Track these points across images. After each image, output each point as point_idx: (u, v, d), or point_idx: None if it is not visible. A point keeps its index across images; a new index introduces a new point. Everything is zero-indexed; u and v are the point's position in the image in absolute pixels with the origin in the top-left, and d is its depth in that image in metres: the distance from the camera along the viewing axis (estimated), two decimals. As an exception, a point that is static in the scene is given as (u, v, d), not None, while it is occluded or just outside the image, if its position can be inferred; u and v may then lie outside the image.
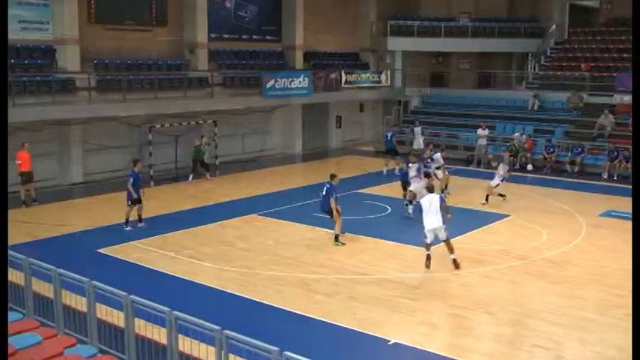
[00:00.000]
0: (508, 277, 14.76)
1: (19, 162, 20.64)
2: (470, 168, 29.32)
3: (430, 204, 15.29)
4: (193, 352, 9.16)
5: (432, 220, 15.18)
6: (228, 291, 13.65)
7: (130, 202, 18.26)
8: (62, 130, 24.31)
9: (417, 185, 19.88)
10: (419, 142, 29.92)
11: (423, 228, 15.35)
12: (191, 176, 25.31)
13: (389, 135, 28.19)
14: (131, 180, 18.16)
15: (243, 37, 32.19)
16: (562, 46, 37.07)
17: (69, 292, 10.62)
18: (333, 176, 17.56)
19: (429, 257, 15.17)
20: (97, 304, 10.04)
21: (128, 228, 18.17)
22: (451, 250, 15.24)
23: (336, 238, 17.17)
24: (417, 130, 30.96)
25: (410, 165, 20.71)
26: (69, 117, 23.75)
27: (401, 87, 38.03)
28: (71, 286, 10.45)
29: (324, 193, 17.43)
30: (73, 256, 15.54)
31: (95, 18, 25.89)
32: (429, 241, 15.26)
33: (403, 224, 19.38)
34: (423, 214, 15.38)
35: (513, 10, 39.84)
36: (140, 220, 18.57)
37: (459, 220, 19.69)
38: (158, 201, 21.85)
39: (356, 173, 27.88)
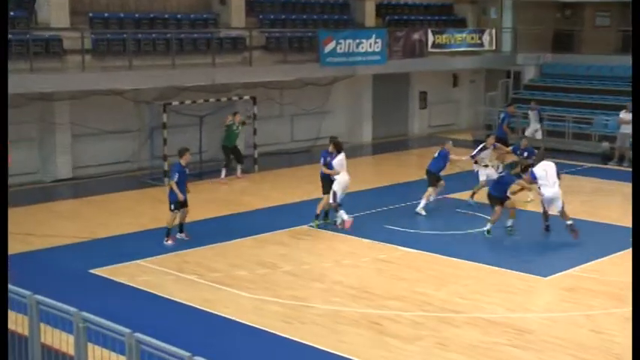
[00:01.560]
0: (663, 321, 14.39)
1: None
2: (608, 166, 28.81)
3: (546, 172, 18.67)
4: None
5: (550, 189, 18.60)
6: (269, 330, 13.62)
7: (173, 207, 18.50)
8: (44, 108, 24.70)
9: None
10: (534, 130, 29.72)
11: (542, 196, 18.72)
12: (224, 171, 25.49)
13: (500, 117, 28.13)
14: (176, 176, 18.48)
15: (293, -19, 32.38)
16: None
17: (50, 328, 10.69)
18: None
19: (547, 228, 19.60)
20: (90, 345, 10.08)
21: (169, 242, 18.41)
22: (566, 216, 18.60)
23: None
24: (533, 114, 30.64)
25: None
26: (53, 90, 24.09)
27: (511, 52, 37.72)
28: (54, 320, 10.51)
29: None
30: (57, 279, 15.72)
31: (91, -44, 26.32)
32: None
33: (512, 244, 19.18)
34: (540, 182, 18.68)
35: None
36: (182, 229, 18.86)
37: (596, 239, 19.41)
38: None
39: (447, 172, 27.57)
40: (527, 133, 29.02)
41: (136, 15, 27.12)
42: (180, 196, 18.28)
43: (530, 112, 31.53)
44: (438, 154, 22.43)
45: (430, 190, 21.87)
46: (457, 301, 15.20)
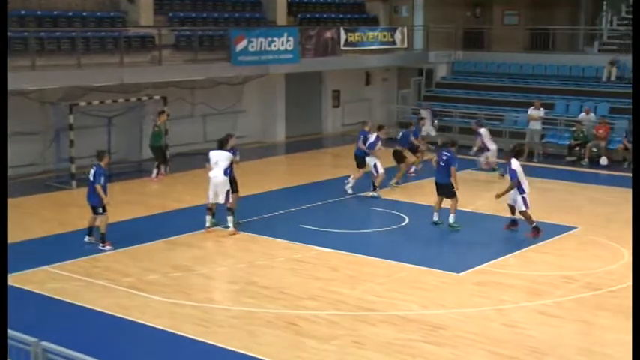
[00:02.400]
0: (574, 315, 14.74)
1: None
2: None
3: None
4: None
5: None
6: (184, 334, 13.55)
7: (102, 210, 18.51)
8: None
9: None
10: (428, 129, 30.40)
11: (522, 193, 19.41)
12: (155, 171, 25.93)
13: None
14: (102, 179, 18.54)
15: (203, -22, 32.26)
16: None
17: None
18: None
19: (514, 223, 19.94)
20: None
21: (107, 246, 18.41)
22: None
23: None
24: (426, 113, 31.20)
25: None
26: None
27: (423, 50, 38.14)
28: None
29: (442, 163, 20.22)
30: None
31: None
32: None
33: (427, 240, 19.40)
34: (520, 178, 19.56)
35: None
36: (91, 232, 18.98)
37: (505, 234, 19.77)
38: (82, 209, 21.72)
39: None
40: (423, 132, 29.40)
41: (39, 12, 26.70)
42: (106, 199, 18.34)
43: (422, 110, 31.99)
44: (359, 135, 24.00)
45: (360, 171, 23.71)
46: (372, 299, 15.30)
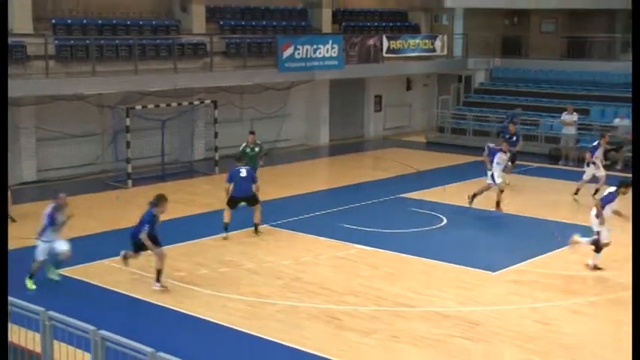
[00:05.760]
0: (606, 313, 14.74)
1: None
2: (555, 166, 29.19)
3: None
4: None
5: None
6: (232, 327, 13.72)
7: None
8: (9, 113, 24.50)
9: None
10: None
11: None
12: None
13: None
14: (146, 227, 15.47)
15: (253, -11, 32.44)
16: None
17: (17, 327, 10.71)
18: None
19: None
20: (56, 342, 10.12)
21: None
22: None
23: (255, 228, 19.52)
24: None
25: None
26: (18, 95, 23.91)
27: (462, 57, 38.06)
28: (20, 319, 10.55)
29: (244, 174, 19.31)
30: (24, 279, 15.68)
31: (54, -37, 26.20)
32: None
33: (463, 240, 19.42)
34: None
35: (616, -48, 39.60)
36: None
37: (541, 235, 19.71)
38: (138, 207, 21.95)
39: (401, 172, 27.90)
40: None
41: (99, 21, 27.03)
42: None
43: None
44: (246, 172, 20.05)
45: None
46: (410, 296, 15.35)
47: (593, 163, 23.07)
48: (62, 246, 15.87)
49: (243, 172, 19.20)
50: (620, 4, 37.96)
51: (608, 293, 15.71)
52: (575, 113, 30.12)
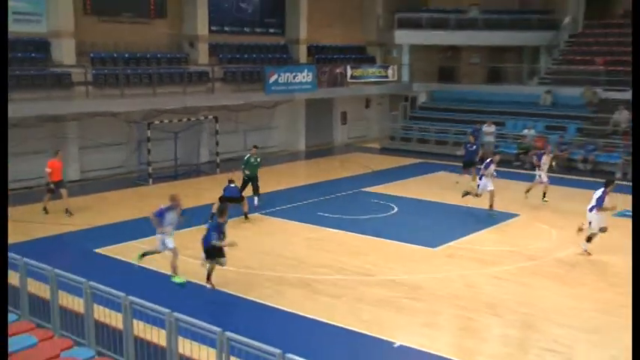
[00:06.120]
0: (517, 278, 14.88)
1: (49, 170, 19.69)
2: (480, 166, 29.32)
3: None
4: (194, 355, 9.29)
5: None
6: (229, 292, 13.79)
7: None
8: (58, 127, 24.47)
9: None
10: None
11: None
12: (256, 198, 20.83)
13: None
14: (215, 235, 13.84)
15: (245, 30, 32.38)
16: (576, 39, 37.08)
17: (65, 293, 10.75)
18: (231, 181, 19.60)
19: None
20: (95, 306, 10.15)
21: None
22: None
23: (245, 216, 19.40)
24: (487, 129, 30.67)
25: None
26: (65, 113, 23.91)
27: (408, 82, 38.23)
28: (68, 287, 10.59)
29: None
30: (70, 256, 15.69)
31: (91, 9, 26.03)
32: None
33: (409, 224, 19.52)
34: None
35: (526, 1, 39.86)
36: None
37: (469, 219, 19.90)
38: (157, 199, 21.92)
39: (362, 171, 28.01)
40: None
41: (126, 55, 26.92)
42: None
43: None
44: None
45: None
46: (369, 267, 15.48)
47: (539, 167, 22.12)
48: (168, 244, 14.31)
49: (234, 190, 19.45)
50: (527, 42, 38.33)
51: (519, 263, 15.90)
52: (493, 126, 30.34)
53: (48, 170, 19.76)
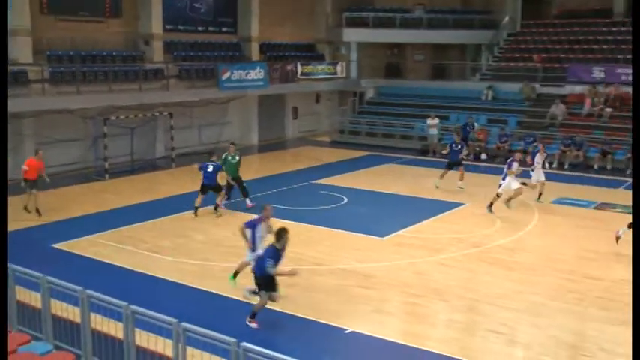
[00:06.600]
0: (462, 265, 14.98)
1: (26, 168, 19.05)
2: (425, 158, 29.58)
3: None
4: (150, 346, 9.11)
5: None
6: (187, 284, 13.58)
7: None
8: (15, 124, 23.76)
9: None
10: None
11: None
12: (223, 199, 19.76)
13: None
14: (271, 262, 11.36)
15: (199, 28, 31.96)
16: (514, 37, 37.64)
17: (22, 288, 10.46)
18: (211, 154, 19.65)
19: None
20: (52, 300, 9.89)
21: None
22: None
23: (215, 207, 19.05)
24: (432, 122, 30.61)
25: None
26: (22, 110, 23.27)
27: (356, 78, 38.19)
28: (25, 282, 10.30)
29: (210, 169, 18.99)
30: (27, 252, 15.25)
31: (48, 9, 25.41)
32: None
33: (359, 214, 19.50)
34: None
35: (467, 1, 40.28)
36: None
37: (416, 209, 20.00)
38: (114, 194, 21.64)
39: (312, 164, 27.94)
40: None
41: (82, 53, 26.33)
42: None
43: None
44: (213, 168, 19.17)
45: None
46: (321, 257, 15.42)
47: (532, 167, 20.63)
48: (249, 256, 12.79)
49: (210, 168, 19.02)
50: (469, 41, 38.72)
51: (464, 250, 16.02)
52: (437, 119, 30.55)
53: (25, 168, 19.18)
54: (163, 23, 29.27)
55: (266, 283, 11.35)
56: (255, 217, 13.32)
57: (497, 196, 19.46)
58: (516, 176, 19.29)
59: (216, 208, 19.19)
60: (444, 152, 23.54)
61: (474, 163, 27.33)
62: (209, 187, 19.11)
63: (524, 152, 22.24)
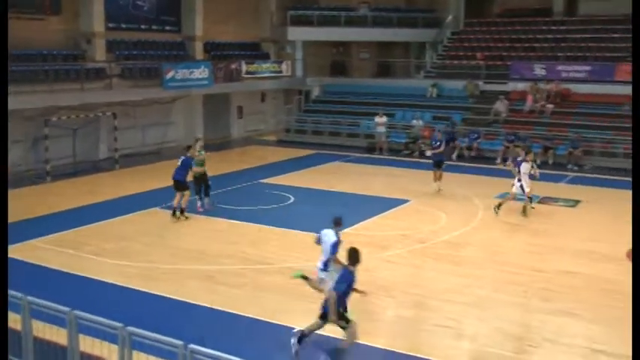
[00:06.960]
0: (408, 261, 15.11)
1: None
2: (371, 155, 29.76)
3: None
4: (95, 351, 8.93)
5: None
6: (132, 287, 13.37)
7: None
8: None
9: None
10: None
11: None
12: (200, 202, 19.57)
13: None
14: (344, 286, 10.82)
15: (142, 27, 31.49)
16: (458, 36, 38.22)
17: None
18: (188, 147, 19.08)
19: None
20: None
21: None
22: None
23: (181, 211, 18.37)
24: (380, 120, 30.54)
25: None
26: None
27: (302, 77, 38.21)
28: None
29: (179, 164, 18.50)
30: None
31: (-18, 7, 24.70)
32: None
33: (306, 213, 19.50)
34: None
35: (412, 0, 40.68)
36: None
37: (362, 207, 20.08)
38: (56, 197, 21.19)
39: (259, 163, 27.84)
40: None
41: (15, 52, 25.53)
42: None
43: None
44: (181, 162, 18.79)
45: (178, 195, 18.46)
46: (269, 256, 15.38)
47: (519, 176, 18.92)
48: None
49: (179, 162, 18.69)
50: (413, 39, 39.16)
51: (410, 246, 16.16)
52: (384, 117, 30.76)
53: None
54: (105, 21, 28.78)
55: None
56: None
57: (530, 199, 18.88)
58: (530, 176, 18.76)
59: (174, 213, 18.38)
60: (428, 154, 23.05)
61: (420, 160, 27.55)
62: (175, 183, 18.44)
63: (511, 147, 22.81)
